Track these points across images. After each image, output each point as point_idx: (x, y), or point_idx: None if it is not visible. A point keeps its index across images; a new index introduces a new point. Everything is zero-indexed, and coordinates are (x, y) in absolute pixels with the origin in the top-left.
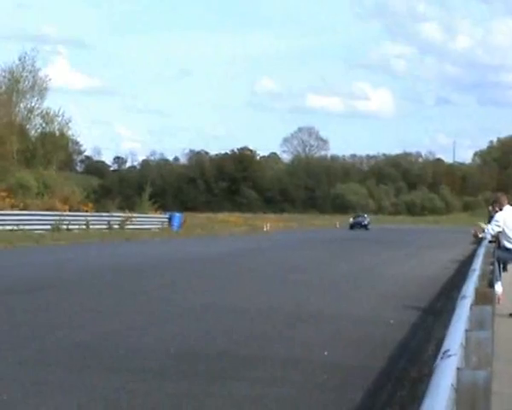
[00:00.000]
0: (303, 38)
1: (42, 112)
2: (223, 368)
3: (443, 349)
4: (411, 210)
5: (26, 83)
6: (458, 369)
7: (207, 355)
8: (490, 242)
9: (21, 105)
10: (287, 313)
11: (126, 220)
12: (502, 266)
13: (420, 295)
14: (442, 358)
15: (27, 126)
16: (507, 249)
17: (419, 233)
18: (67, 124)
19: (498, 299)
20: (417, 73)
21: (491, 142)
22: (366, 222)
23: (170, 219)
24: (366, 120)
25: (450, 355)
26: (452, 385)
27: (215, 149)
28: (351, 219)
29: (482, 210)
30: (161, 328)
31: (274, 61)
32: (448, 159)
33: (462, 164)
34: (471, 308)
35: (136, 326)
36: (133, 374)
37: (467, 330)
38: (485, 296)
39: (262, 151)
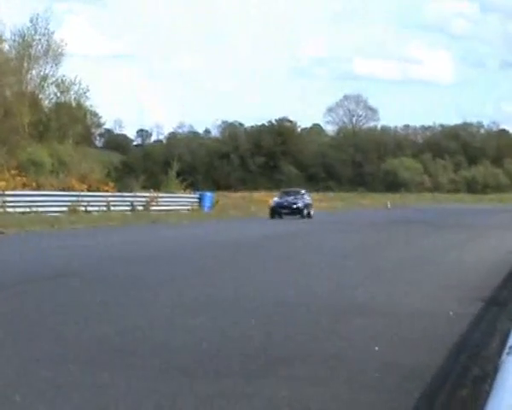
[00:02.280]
0: None
1: (56, 80)
2: (261, 366)
3: (509, 344)
4: (472, 187)
5: (39, 47)
6: None
7: (243, 352)
8: None
9: (33, 72)
10: (331, 306)
11: (152, 201)
12: None
13: (482, 283)
14: (508, 353)
15: (40, 96)
16: None
17: (481, 213)
18: (85, 93)
19: None
20: (479, 34)
21: None
22: (301, 204)
23: (200, 199)
24: (421, 87)
25: None
26: None
27: (251, 120)
28: (274, 199)
29: None
30: (190, 322)
31: (317, 22)
32: None
33: None
34: None
35: (163, 320)
36: (159, 372)
37: None
38: None
39: (303, 122)
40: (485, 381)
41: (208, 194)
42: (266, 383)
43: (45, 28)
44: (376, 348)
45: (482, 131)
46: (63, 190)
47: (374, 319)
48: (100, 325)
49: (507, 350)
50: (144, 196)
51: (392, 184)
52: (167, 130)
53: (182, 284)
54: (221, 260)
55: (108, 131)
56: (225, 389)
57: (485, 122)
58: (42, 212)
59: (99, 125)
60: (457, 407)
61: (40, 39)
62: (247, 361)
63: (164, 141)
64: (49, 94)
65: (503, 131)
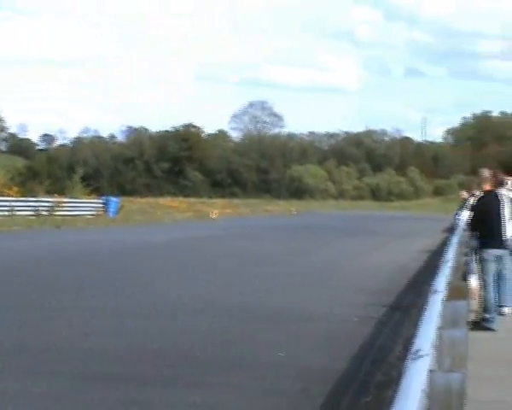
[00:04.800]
0: (256, 1)
1: None
2: (175, 373)
3: (413, 349)
4: (376, 195)
5: None
6: (430, 371)
7: (158, 358)
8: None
9: None
10: (240, 312)
11: (56, 206)
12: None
13: (386, 289)
14: (413, 359)
15: None
16: None
17: (385, 221)
18: None
19: (474, 294)
20: (384, 42)
21: (465, 118)
22: None
23: (105, 204)
24: (326, 94)
25: (421, 356)
26: (424, 389)
27: (156, 125)
28: None
29: (455, 195)
30: (106, 328)
31: (224, 27)
32: (417, 137)
33: (432, 143)
34: (443, 304)
35: (78, 326)
36: (76, 379)
37: (439, 329)
38: (458, 291)
39: (209, 128)
40: (388, 386)
41: (113, 199)
42: (180, 389)
43: None
44: (281, 354)
45: (386, 138)
46: None
47: (280, 325)
48: (17, 331)
49: (411, 356)
50: (49, 201)
51: (298, 191)
52: (72, 134)
53: (89, 292)
54: (129, 265)
55: (12, 135)
56: (142, 395)
57: (389, 130)
58: None
59: (2, 130)
60: None
61: None
62: (162, 367)
63: (69, 146)
64: None
65: (407, 138)
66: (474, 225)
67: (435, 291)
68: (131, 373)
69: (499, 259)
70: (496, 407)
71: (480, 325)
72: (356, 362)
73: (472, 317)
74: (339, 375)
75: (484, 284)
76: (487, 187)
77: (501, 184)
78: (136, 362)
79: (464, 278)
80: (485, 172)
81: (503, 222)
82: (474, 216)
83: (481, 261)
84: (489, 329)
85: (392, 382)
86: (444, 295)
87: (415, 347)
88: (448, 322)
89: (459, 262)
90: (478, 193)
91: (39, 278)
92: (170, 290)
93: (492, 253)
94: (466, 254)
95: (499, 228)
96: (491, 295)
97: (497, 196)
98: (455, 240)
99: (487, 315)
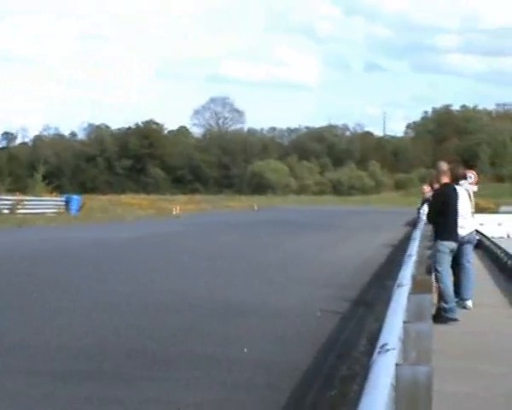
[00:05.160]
0: None
1: None
2: (132, 368)
3: (380, 343)
4: (338, 189)
5: None
6: (397, 365)
7: (115, 354)
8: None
9: None
10: (203, 306)
11: (17, 204)
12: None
13: (350, 283)
14: (380, 352)
15: None
16: None
17: (347, 215)
18: None
19: (436, 288)
20: (343, 37)
21: (426, 112)
22: None
23: (67, 202)
24: (286, 90)
25: (388, 350)
26: (391, 382)
27: (117, 122)
28: None
29: (416, 189)
30: (62, 325)
31: (185, 24)
32: (378, 132)
33: (393, 137)
34: (408, 298)
35: (34, 323)
36: (30, 376)
37: (405, 322)
38: (423, 284)
39: (170, 125)
40: (353, 380)
41: (75, 197)
42: (139, 385)
43: None
44: (245, 350)
45: (347, 133)
46: None
47: (244, 319)
48: None
49: (378, 350)
50: (10, 200)
51: (259, 187)
52: (33, 133)
53: (50, 288)
54: (91, 263)
55: None
56: (94, 392)
57: (350, 124)
58: None
59: None
60: (326, 406)
61: None
62: (120, 363)
63: (29, 144)
64: None
65: (368, 133)
66: (431, 217)
67: (400, 285)
68: (92, 370)
69: (453, 251)
70: (461, 398)
71: (440, 317)
72: (320, 356)
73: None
74: (303, 369)
75: (439, 276)
76: (445, 180)
77: (463, 177)
78: (97, 359)
79: (428, 271)
80: (443, 165)
81: (458, 215)
82: (431, 208)
83: (436, 253)
84: (451, 319)
85: (356, 376)
86: (408, 289)
87: (381, 340)
88: (413, 315)
89: (423, 256)
90: (436, 186)
91: None
92: (124, 288)
93: (448, 245)
94: (429, 248)
95: (456, 221)
96: (448, 285)
97: (455, 190)
98: (418, 234)
99: (447, 305)
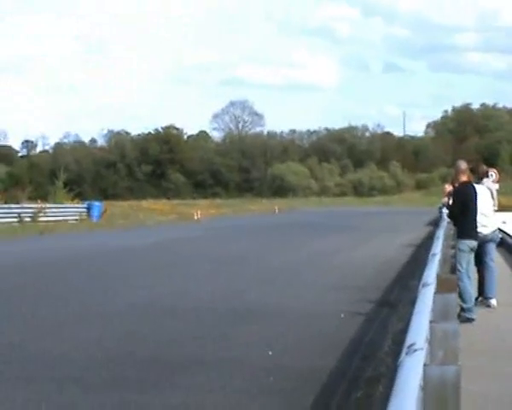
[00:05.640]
0: (233, 1)
1: None
2: (155, 375)
3: (407, 343)
4: (358, 190)
5: None
6: (425, 365)
7: (137, 361)
8: None
9: None
10: (224, 311)
11: (39, 212)
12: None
13: (371, 285)
14: (407, 353)
15: None
16: None
17: (368, 216)
18: None
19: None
20: (362, 38)
21: (446, 111)
22: None
23: (88, 208)
24: (306, 92)
25: (416, 350)
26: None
27: (137, 128)
28: None
29: (437, 188)
30: (83, 332)
31: (201, 28)
32: (398, 132)
33: (413, 137)
34: (434, 297)
35: (55, 331)
36: (54, 384)
37: (431, 322)
38: (448, 284)
39: (190, 130)
40: (379, 382)
41: (96, 203)
42: (161, 391)
43: None
44: (270, 353)
45: (367, 134)
46: None
47: (267, 322)
48: None
49: (405, 350)
50: (31, 207)
51: (280, 189)
52: (53, 140)
53: (72, 296)
54: (112, 269)
55: None
56: (119, 399)
57: (370, 125)
58: None
59: None
60: (352, 408)
61: None
62: (141, 370)
63: (50, 151)
64: None
65: (388, 133)
66: (451, 216)
67: (425, 284)
68: (114, 376)
69: (474, 250)
70: (486, 399)
71: (458, 316)
72: (345, 358)
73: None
74: (328, 371)
75: (460, 275)
76: (464, 179)
77: (485, 175)
78: (118, 366)
79: (452, 270)
80: (462, 164)
81: (478, 214)
82: (451, 207)
83: (457, 252)
84: (468, 319)
85: (382, 377)
86: (434, 288)
87: (408, 341)
88: (439, 315)
89: (446, 255)
90: (456, 185)
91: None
92: (144, 291)
93: (468, 244)
94: (453, 247)
95: (475, 219)
96: (468, 284)
97: (474, 188)
98: (441, 233)
99: (465, 305)
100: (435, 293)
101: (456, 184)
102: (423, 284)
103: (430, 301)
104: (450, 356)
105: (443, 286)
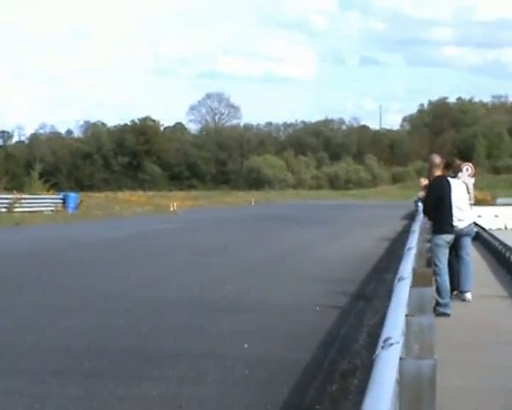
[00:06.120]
0: None
1: None
2: (131, 366)
3: (383, 337)
4: (334, 184)
5: None
6: (401, 359)
7: (113, 352)
8: None
9: None
10: (201, 303)
11: (15, 203)
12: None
13: (348, 278)
14: (383, 347)
15: None
16: None
17: (344, 209)
18: None
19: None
20: (339, 31)
21: (422, 105)
22: None
23: (64, 199)
24: (282, 84)
25: (392, 344)
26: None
27: (113, 119)
28: None
29: (413, 182)
30: (58, 323)
31: (179, 20)
32: (374, 125)
33: (389, 130)
34: (410, 291)
35: (30, 322)
36: (30, 376)
37: (407, 316)
38: (424, 277)
39: (166, 121)
40: (354, 375)
41: (72, 194)
42: (137, 383)
43: None
44: (246, 345)
45: (343, 127)
46: None
47: (243, 315)
48: None
49: (381, 344)
50: (7, 198)
51: (256, 182)
52: (29, 131)
53: (48, 287)
54: (88, 260)
55: None
56: (96, 391)
57: (347, 118)
58: None
59: None
60: (327, 401)
61: None
62: (117, 362)
63: (26, 142)
64: None
65: (364, 126)
66: (426, 210)
67: (401, 278)
68: (90, 368)
69: (450, 243)
70: (461, 393)
71: (434, 310)
72: (320, 351)
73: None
74: (304, 363)
75: (438, 270)
76: (438, 173)
77: (458, 170)
78: (94, 358)
79: (428, 264)
80: (436, 159)
81: (453, 207)
82: (426, 202)
83: (434, 247)
84: (444, 314)
85: (356, 370)
86: (409, 282)
87: (384, 335)
88: (415, 309)
89: (422, 249)
90: (429, 179)
91: None
92: (120, 283)
93: (445, 238)
94: (429, 241)
95: (451, 213)
96: (445, 280)
97: (448, 182)
98: (416, 226)
99: (441, 300)
100: (411, 287)
101: (431, 179)
102: (399, 277)
103: (406, 295)
104: (425, 350)
105: (419, 280)
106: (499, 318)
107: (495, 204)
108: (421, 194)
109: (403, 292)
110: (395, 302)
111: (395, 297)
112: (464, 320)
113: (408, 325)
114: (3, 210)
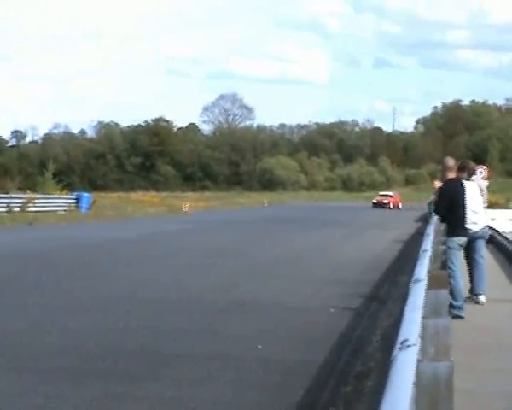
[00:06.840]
0: None
1: None
2: (143, 367)
3: (400, 339)
4: (348, 185)
5: None
6: (418, 361)
7: (125, 353)
8: None
9: None
10: (213, 303)
11: (28, 202)
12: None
13: (361, 279)
14: (401, 349)
15: None
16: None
17: (357, 211)
18: None
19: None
20: (353, 33)
21: (436, 108)
22: None
23: (77, 199)
24: (296, 86)
25: (409, 346)
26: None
27: (127, 120)
28: None
29: (426, 184)
30: (71, 323)
31: (192, 21)
32: (388, 128)
33: (403, 133)
34: (425, 293)
35: (44, 322)
36: (44, 375)
37: (423, 318)
38: (439, 280)
39: (179, 122)
40: (368, 377)
41: (85, 194)
42: (151, 384)
43: None
44: (259, 347)
45: (357, 129)
46: None
47: (256, 316)
48: None
49: (398, 346)
50: (20, 198)
51: (269, 183)
52: (42, 131)
53: (63, 286)
54: (101, 260)
55: None
56: (110, 391)
57: (360, 120)
58: None
59: None
60: (341, 403)
61: None
62: (130, 362)
63: (39, 142)
64: None
65: (378, 129)
66: (439, 213)
67: (417, 280)
68: (94, 369)
69: (463, 246)
70: (477, 395)
71: (448, 313)
72: (334, 353)
73: None
74: (317, 365)
75: (452, 273)
76: (451, 175)
77: (473, 172)
78: (99, 359)
79: (443, 267)
80: (450, 161)
81: (466, 210)
82: (439, 204)
83: (447, 250)
84: (457, 317)
85: (371, 372)
86: (425, 284)
87: (401, 336)
88: (431, 311)
89: (437, 251)
90: (442, 182)
91: None
92: (132, 283)
93: (457, 241)
94: (443, 243)
95: (464, 215)
96: (459, 282)
97: (462, 184)
98: (431, 229)
99: (455, 303)
100: (427, 289)
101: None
102: (415, 279)
103: (422, 296)
104: (441, 352)
105: (434, 282)
106: None
107: (509, 207)
108: (434, 197)
109: (419, 294)
110: (411, 304)
111: (411, 299)
112: (478, 323)
113: (424, 327)
114: (17, 210)
